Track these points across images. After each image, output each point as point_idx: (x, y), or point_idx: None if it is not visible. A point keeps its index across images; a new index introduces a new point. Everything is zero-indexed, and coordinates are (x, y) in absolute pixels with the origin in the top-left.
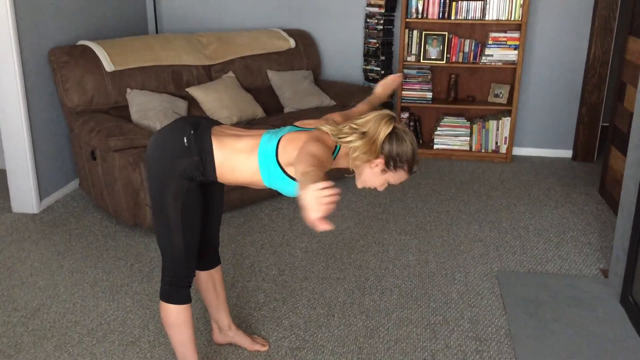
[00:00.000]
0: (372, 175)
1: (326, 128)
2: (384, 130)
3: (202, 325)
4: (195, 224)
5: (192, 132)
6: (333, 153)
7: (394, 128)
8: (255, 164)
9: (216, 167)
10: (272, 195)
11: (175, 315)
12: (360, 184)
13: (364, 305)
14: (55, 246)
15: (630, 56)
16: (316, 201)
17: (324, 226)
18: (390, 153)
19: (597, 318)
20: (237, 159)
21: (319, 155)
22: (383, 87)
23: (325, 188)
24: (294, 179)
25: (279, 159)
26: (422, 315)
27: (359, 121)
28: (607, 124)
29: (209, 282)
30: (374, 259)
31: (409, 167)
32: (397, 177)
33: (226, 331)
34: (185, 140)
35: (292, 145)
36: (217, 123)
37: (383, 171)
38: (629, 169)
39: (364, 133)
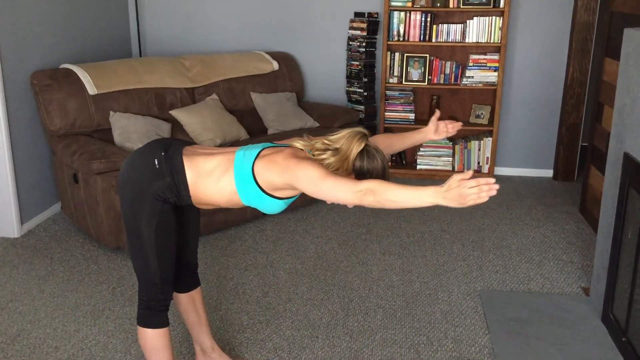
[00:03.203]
0: None
1: (299, 144)
2: (356, 148)
3: (185, 348)
4: (170, 246)
5: (162, 153)
6: None
7: (366, 146)
8: (232, 184)
9: (189, 188)
10: (256, 216)
11: (153, 340)
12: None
13: (347, 326)
14: (36, 270)
15: (607, 77)
16: (466, 198)
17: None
18: (361, 170)
19: (579, 336)
20: (211, 179)
21: (321, 173)
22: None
23: (467, 180)
24: (272, 196)
25: (257, 179)
26: (406, 335)
27: (332, 137)
28: (587, 144)
29: (189, 304)
30: (357, 279)
31: None
32: None
33: (209, 353)
34: (156, 162)
35: (269, 169)
36: (189, 143)
37: None
38: (607, 188)
39: (336, 149)
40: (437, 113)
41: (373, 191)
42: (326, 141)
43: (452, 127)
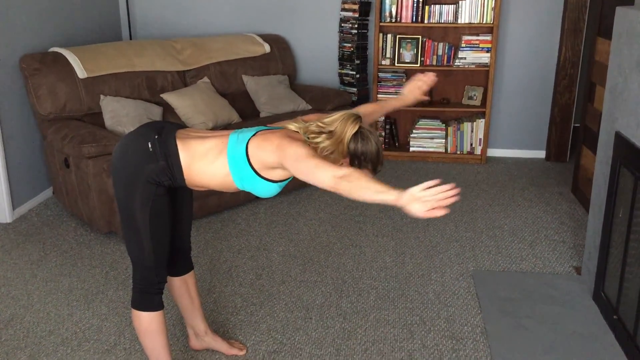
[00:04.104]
0: None
1: (293, 127)
2: (350, 130)
3: (178, 331)
4: (165, 229)
5: (156, 136)
6: None
7: (360, 128)
8: (225, 166)
9: (183, 171)
10: (249, 199)
11: (148, 323)
12: None
13: (341, 307)
14: (28, 255)
15: (599, 57)
16: (425, 204)
17: (437, 213)
18: (356, 152)
19: (570, 314)
20: (205, 161)
21: (309, 153)
22: (408, 89)
23: (429, 189)
24: (266, 179)
25: (251, 160)
26: (399, 315)
27: (326, 120)
28: (579, 124)
29: (182, 287)
30: (351, 261)
31: (374, 167)
32: None
33: (203, 336)
34: (150, 145)
35: (263, 147)
36: (182, 126)
37: None
38: (599, 168)
39: (330, 132)
40: (407, 81)
41: (349, 177)
42: (320, 124)
43: (425, 80)
